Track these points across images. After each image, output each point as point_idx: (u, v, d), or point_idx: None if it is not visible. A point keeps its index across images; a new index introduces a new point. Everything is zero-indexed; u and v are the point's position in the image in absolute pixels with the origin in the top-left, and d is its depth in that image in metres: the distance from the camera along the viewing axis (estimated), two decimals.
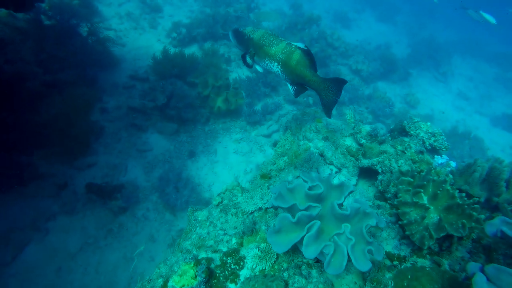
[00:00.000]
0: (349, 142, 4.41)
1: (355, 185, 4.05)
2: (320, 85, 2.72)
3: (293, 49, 2.76)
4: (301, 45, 2.77)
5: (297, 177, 4.44)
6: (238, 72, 9.31)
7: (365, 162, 3.92)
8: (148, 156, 7.03)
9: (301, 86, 2.88)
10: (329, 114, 2.83)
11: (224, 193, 3.53)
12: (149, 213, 6.22)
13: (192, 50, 9.96)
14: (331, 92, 2.73)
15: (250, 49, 3.04)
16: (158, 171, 6.77)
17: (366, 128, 4.10)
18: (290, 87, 2.95)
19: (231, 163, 7.11)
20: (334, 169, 4.29)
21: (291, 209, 2.52)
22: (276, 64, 2.88)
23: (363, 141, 4.13)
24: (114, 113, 7.43)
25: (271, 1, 15.96)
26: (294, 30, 11.65)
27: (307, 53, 2.72)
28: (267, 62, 2.96)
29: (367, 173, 4.12)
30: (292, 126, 5.39)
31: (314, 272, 2.56)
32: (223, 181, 6.87)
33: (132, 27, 10.73)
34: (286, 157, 5.04)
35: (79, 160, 6.55)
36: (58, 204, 6.07)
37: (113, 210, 6.09)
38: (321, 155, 4.52)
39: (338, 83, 2.71)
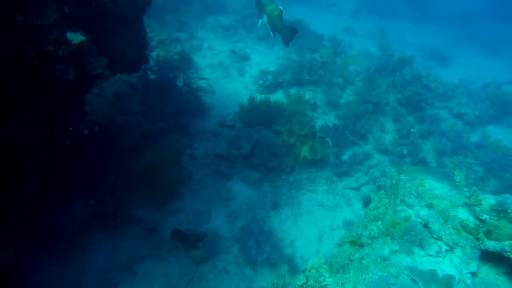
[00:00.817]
0: (463, 214, 3.65)
1: (475, 272, 3.26)
2: (283, 30, 4.79)
3: (276, 8, 4.67)
4: (281, 7, 4.73)
5: (395, 251, 3.82)
6: (324, 119, 9.03)
7: (491, 245, 3.14)
8: (231, 204, 7.03)
9: (275, 30, 4.84)
10: (287, 44, 5.05)
11: (309, 271, 3.13)
12: (230, 266, 6.07)
13: (278, 96, 10.11)
14: (288, 34, 4.85)
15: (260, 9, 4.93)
16: (241, 221, 6.67)
17: (489, 201, 3.33)
18: (271, 33, 4.96)
19: (316, 217, 6.65)
20: (444, 247, 3.56)
21: None
22: (265, 16, 4.77)
23: (485, 216, 3.35)
24: (202, 159, 7.74)
25: (357, 43, 15.63)
26: (384, 72, 11.04)
27: (281, 12, 4.67)
28: (262, 15, 4.84)
29: (494, 256, 3.29)
30: (387, 186, 4.78)
31: None
32: (307, 236, 6.42)
33: (222, 75, 11.45)
34: (380, 223, 4.44)
35: (167, 206, 6.86)
36: (147, 247, 6.34)
37: (195, 259, 6.11)
38: (425, 226, 3.83)
39: (293, 30, 4.85)
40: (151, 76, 8.78)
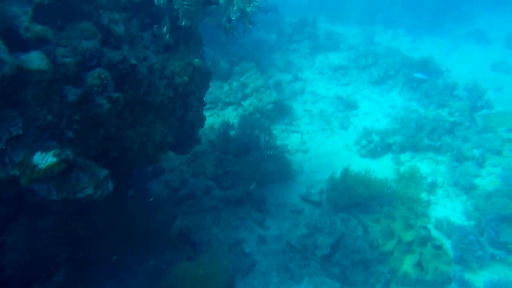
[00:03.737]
0: None
1: None
2: None
3: None
4: None
5: None
6: (446, 207, 6.47)
7: None
8: None
9: None
10: None
11: None
12: None
13: (384, 162, 8.05)
14: None
15: None
16: None
17: None
18: None
19: None
20: None
21: None
22: None
23: None
24: (271, 244, 6.36)
25: (509, 94, 11.53)
26: None
27: None
28: None
29: None
30: None
31: None
32: None
33: (321, 128, 9.90)
34: None
35: None
36: None
37: None
38: None
39: None
40: (232, 133, 7.97)
